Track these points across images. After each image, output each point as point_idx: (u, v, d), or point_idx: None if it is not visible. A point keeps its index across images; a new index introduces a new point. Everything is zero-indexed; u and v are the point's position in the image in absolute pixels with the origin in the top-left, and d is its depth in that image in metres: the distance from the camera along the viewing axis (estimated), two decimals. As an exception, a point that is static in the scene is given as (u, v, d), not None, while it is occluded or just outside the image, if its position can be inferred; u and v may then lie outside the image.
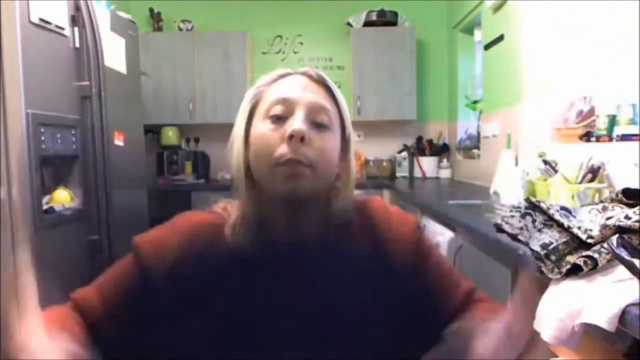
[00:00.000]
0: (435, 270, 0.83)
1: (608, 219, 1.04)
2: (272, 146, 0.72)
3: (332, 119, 0.76)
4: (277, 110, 0.73)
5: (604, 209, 1.17)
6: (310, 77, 0.78)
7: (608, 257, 0.95)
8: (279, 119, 0.73)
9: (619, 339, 0.89)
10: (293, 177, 0.71)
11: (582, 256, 0.97)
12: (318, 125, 0.74)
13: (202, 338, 0.74)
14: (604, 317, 0.84)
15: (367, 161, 4.32)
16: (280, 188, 0.72)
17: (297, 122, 0.71)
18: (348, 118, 0.80)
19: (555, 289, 1.01)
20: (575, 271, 0.98)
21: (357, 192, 0.86)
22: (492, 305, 0.81)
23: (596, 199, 1.62)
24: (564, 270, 0.99)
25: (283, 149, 0.71)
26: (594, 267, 0.96)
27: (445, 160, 4.17)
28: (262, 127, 0.74)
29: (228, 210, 0.81)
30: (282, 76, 0.79)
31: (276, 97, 0.74)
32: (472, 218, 1.84)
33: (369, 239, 0.81)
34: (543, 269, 1.04)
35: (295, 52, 4.41)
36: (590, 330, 0.90)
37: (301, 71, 0.79)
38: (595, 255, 0.96)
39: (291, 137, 0.70)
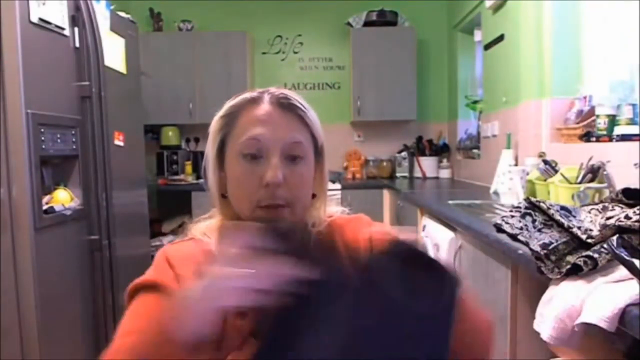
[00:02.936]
0: None
1: (608, 219, 1.04)
2: (250, 188, 0.74)
3: (305, 146, 0.77)
4: (251, 150, 0.74)
5: (604, 209, 1.17)
6: (280, 105, 0.76)
7: (608, 257, 0.95)
8: (254, 158, 0.74)
9: (619, 339, 0.89)
10: (272, 220, 0.73)
11: (582, 256, 0.97)
12: (292, 158, 0.75)
13: None
14: (604, 317, 0.84)
15: (367, 161, 4.32)
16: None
17: (272, 170, 0.73)
18: (319, 131, 0.80)
19: (555, 289, 1.01)
20: (575, 271, 0.98)
21: (340, 208, 0.88)
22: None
23: (596, 199, 1.62)
24: (564, 270, 1.00)
25: (261, 194, 0.73)
26: (594, 267, 0.96)
27: (445, 160, 4.17)
28: (238, 168, 0.75)
29: (208, 235, 0.80)
30: (250, 102, 0.77)
31: (248, 135, 0.74)
32: (472, 218, 1.84)
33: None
34: (543, 269, 1.04)
35: (295, 52, 4.42)
36: (590, 330, 0.90)
37: (269, 96, 0.77)
38: (595, 255, 0.96)
39: (267, 184, 0.72)
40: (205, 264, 0.74)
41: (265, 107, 0.76)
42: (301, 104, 0.77)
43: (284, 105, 0.76)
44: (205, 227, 0.81)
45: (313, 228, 0.81)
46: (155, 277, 0.73)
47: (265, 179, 0.72)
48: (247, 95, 0.79)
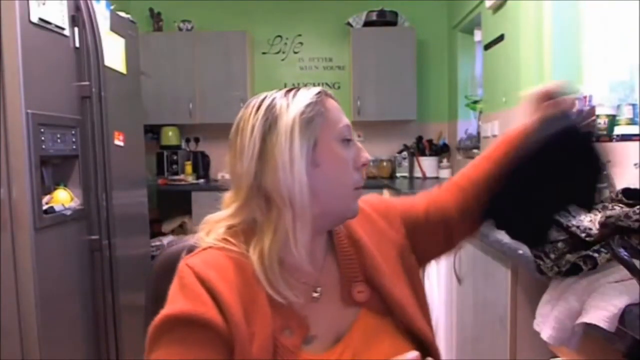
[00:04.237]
0: (406, 212, 0.92)
1: (608, 217, 1.04)
2: (350, 172, 0.78)
3: None
4: (347, 135, 0.78)
5: (604, 208, 1.17)
6: (337, 102, 0.83)
7: (607, 256, 0.95)
8: (348, 143, 0.78)
9: (619, 339, 0.89)
10: (359, 199, 0.81)
11: (581, 256, 0.97)
12: None
13: None
14: (604, 317, 0.84)
15: (367, 161, 4.31)
16: (353, 209, 0.79)
17: (364, 151, 0.80)
18: None
19: (555, 289, 1.01)
20: (574, 271, 0.98)
21: None
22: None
23: (596, 199, 1.61)
24: (563, 269, 0.99)
25: (357, 177, 0.79)
26: (594, 267, 0.96)
27: (445, 160, 4.17)
28: (342, 152, 0.77)
29: (232, 241, 0.75)
30: (322, 94, 0.79)
31: (344, 122, 0.79)
32: (472, 218, 1.84)
33: (376, 235, 0.86)
34: (542, 267, 1.04)
35: (295, 52, 4.42)
36: (590, 330, 0.90)
37: (330, 93, 0.82)
38: (595, 255, 0.96)
39: (364, 164, 0.79)
40: (239, 276, 0.71)
41: (333, 101, 0.81)
42: None
43: (337, 102, 0.83)
44: (223, 232, 0.76)
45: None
46: (194, 309, 0.66)
47: (362, 160, 0.79)
48: (313, 88, 0.80)
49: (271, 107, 0.75)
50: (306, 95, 0.76)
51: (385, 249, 0.84)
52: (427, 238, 0.91)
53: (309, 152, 0.73)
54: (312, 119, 0.74)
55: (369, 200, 0.91)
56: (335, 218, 0.80)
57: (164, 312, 0.67)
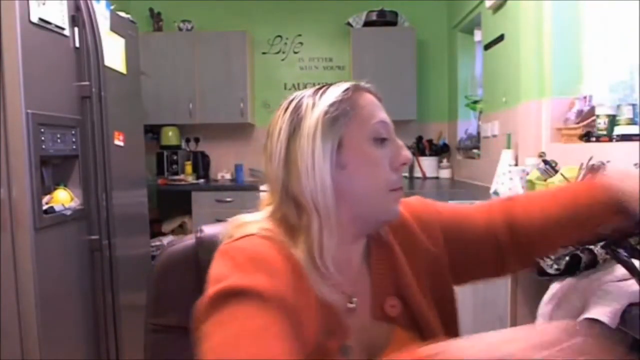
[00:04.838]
0: (455, 217, 0.84)
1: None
2: (385, 172, 0.72)
3: None
4: (383, 133, 0.73)
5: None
6: (375, 95, 0.78)
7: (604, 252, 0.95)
8: (383, 142, 0.73)
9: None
10: (400, 201, 0.75)
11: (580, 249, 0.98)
12: None
13: None
14: (606, 312, 0.84)
15: (367, 161, 4.32)
16: (392, 211, 0.74)
17: (405, 150, 0.74)
18: None
19: (556, 288, 1.01)
20: (574, 264, 0.98)
21: None
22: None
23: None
24: (562, 267, 1.00)
25: (393, 177, 0.73)
26: (593, 261, 0.96)
27: (445, 160, 4.17)
28: (373, 152, 0.72)
29: (275, 231, 0.70)
30: (355, 89, 0.75)
31: (378, 119, 0.74)
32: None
33: (409, 245, 0.80)
34: (542, 265, 1.04)
35: (295, 52, 4.42)
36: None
37: (366, 88, 0.78)
38: (594, 249, 0.96)
39: (403, 164, 0.73)
40: (287, 265, 0.66)
41: (370, 95, 0.77)
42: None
43: (377, 96, 0.79)
44: (266, 228, 0.71)
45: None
46: (253, 282, 0.59)
47: (401, 159, 0.73)
48: (344, 83, 0.76)
49: (297, 108, 0.72)
50: (333, 93, 0.73)
51: (416, 261, 0.78)
52: (472, 253, 0.83)
53: (333, 154, 0.69)
54: (337, 118, 0.70)
55: (411, 203, 0.84)
56: (372, 222, 0.75)
57: (220, 286, 0.59)
